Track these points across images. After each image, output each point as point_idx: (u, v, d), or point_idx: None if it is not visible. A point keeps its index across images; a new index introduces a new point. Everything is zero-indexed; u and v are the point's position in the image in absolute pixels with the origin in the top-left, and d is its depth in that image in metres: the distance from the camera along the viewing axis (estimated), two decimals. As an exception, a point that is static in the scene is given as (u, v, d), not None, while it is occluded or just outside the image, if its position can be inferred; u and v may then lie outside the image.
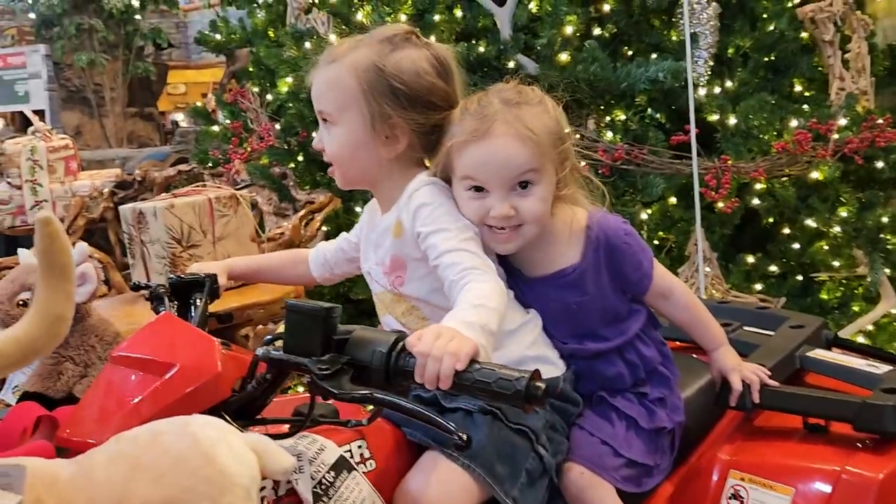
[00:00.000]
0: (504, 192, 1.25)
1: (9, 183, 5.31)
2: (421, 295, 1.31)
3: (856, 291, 3.20)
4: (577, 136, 3.07)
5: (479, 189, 1.27)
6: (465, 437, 0.94)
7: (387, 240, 1.33)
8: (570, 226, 1.33)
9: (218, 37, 4.29)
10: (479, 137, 1.25)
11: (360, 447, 1.16)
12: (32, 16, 10.73)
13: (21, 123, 9.18)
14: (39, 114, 8.22)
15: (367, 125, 1.28)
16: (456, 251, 1.21)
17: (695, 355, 1.68)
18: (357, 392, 0.99)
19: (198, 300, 1.41)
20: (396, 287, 1.33)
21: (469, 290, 1.14)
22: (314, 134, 3.56)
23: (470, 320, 1.06)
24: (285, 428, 1.14)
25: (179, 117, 12.65)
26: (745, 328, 1.75)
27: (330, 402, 1.12)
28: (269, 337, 1.12)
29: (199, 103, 5.38)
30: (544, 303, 1.35)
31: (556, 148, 1.28)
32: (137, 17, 10.88)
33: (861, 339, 3.00)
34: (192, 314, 1.40)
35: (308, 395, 1.11)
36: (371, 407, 1.17)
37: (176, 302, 1.42)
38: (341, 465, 1.11)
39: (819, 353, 1.63)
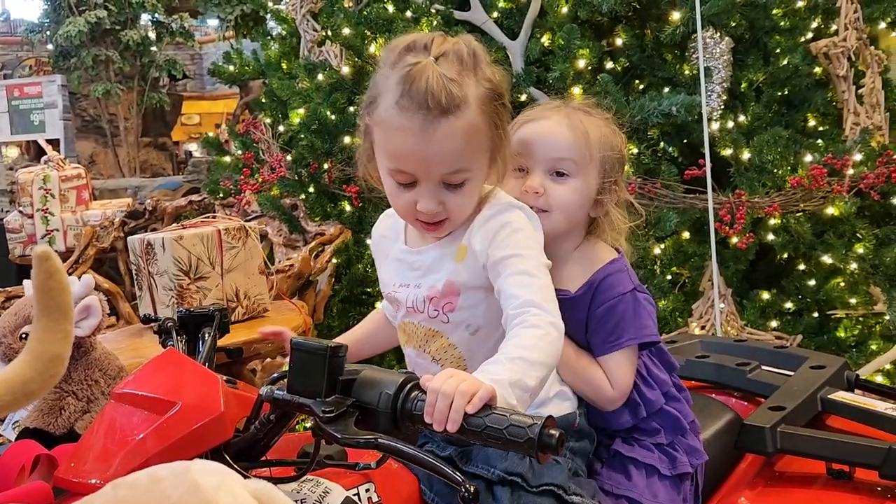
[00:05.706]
0: (541, 173, 1.29)
1: (20, 212, 5.35)
2: (471, 321, 1.22)
3: (874, 329, 3.14)
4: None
5: (521, 170, 1.31)
6: (472, 489, 0.89)
7: (443, 264, 1.23)
8: (589, 260, 1.32)
9: (231, 68, 4.32)
10: (533, 119, 1.32)
11: (367, 491, 1.12)
12: (50, 47, 10.91)
13: (36, 152, 9.29)
14: (54, 143, 8.31)
15: (488, 157, 1.19)
16: (523, 275, 1.13)
17: (714, 395, 1.64)
18: (361, 437, 0.95)
19: (206, 334, 1.39)
20: (445, 313, 1.23)
21: (514, 336, 1.07)
22: (325, 165, 3.60)
23: (499, 378, 0.98)
24: (291, 469, 1.10)
25: (193, 147, 12.78)
26: (764, 368, 1.71)
27: (335, 443, 1.08)
28: (274, 375, 1.09)
29: (211, 133, 5.40)
30: None
31: (603, 163, 1.31)
32: (153, 48, 11.03)
33: (879, 379, 2.94)
34: (200, 348, 1.37)
35: (314, 434, 1.08)
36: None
37: (184, 336, 1.40)
38: (347, 510, 1.07)
39: (841, 395, 1.58)
